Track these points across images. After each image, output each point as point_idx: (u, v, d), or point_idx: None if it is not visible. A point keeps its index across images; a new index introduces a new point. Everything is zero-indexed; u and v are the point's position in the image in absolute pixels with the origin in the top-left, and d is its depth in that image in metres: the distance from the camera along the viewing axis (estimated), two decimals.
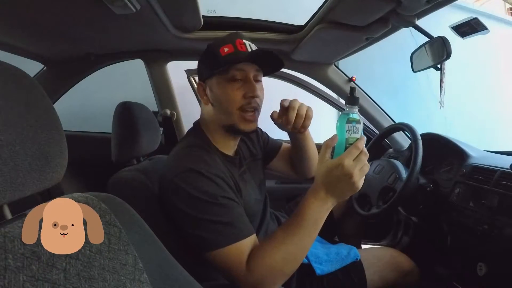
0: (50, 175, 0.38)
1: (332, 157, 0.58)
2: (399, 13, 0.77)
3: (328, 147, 0.58)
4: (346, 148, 0.57)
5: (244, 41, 0.69)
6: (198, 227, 0.60)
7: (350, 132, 0.57)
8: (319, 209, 0.59)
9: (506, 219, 0.76)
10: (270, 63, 0.71)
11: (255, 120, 0.72)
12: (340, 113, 0.59)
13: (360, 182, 0.56)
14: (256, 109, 0.71)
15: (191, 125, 0.80)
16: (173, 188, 0.62)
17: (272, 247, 0.59)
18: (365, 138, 0.58)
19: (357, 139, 0.57)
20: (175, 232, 0.64)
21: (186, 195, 0.60)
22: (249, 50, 0.69)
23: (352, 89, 0.60)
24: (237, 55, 0.67)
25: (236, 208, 0.64)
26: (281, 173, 1.01)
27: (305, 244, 0.60)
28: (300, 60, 1.23)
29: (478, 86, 3.84)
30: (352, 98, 0.58)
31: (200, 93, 0.74)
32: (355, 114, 0.58)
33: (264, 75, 0.74)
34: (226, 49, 0.67)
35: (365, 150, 0.56)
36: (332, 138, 0.58)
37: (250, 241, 0.62)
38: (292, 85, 1.43)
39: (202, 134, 0.74)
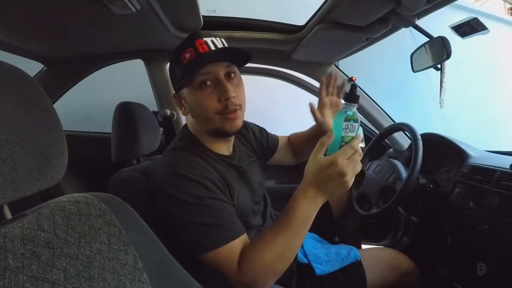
0: (50, 175, 0.38)
1: (325, 154, 0.57)
2: (399, 13, 0.77)
3: (323, 145, 0.57)
4: (340, 146, 0.57)
5: (205, 39, 0.63)
6: (187, 230, 0.60)
7: (347, 130, 0.56)
8: (309, 208, 0.58)
9: (506, 219, 0.76)
10: (239, 56, 0.66)
11: (238, 117, 0.67)
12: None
13: (351, 181, 0.56)
14: (237, 109, 0.66)
15: None
16: (160, 193, 0.62)
17: (262, 247, 0.59)
18: (361, 136, 0.58)
19: (353, 137, 0.57)
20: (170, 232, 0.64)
21: (172, 199, 0.60)
22: (212, 48, 0.63)
23: (353, 86, 0.59)
24: (199, 59, 0.62)
25: (225, 209, 0.63)
26: (280, 163, 1.03)
27: (295, 242, 0.60)
28: (300, 60, 1.22)
29: (478, 86, 3.84)
30: (351, 95, 0.57)
31: (178, 105, 0.72)
32: (354, 112, 0.57)
33: (238, 67, 0.69)
34: (187, 55, 0.63)
35: (360, 150, 0.56)
36: (329, 136, 0.57)
37: (240, 241, 0.61)
38: (292, 85, 1.43)
39: (191, 135, 0.73)
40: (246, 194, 0.75)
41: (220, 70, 0.64)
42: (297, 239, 0.60)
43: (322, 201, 0.59)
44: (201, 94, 0.64)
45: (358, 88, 1.31)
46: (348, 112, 0.56)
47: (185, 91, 0.67)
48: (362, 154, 0.57)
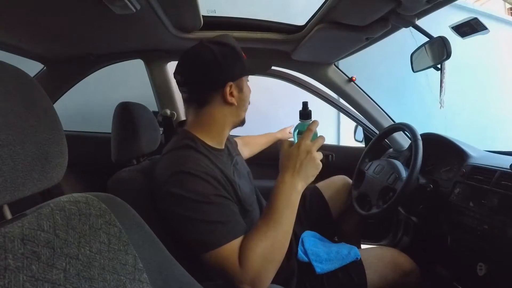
0: (50, 175, 0.38)
1: None
2: (399, 13, 0.77)
3: (286, 141, 0.70)
4: None
5: None
6: (192, 229, 0.60)
7: None
8: (289, 191, 0.63)
9: (506, 219, 0.76)
10: None
11: None
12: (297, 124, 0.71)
13: (318, 160, 0.64)
14: None
15: None
16: (163, 193, 0.62)
17: (257, 239, 0.60)
18: (318, 122, 0.67)
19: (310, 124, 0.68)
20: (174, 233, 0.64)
21: (178, 198, 0.60)
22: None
23: (304, 104, 0.69)
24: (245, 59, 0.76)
25: (229, 206, 0.64)
26: None
27: (286, 227, 0.63)
28: (300, 60, 1.23)
29: (478, 86, 3.84)
30: (304, 113, 0.69)
31: (228, 94, 0.72)
32: (305, 126, 0.68)
33: None
34: (243, 55, 0.76)
35: (316, 130, 0.67)
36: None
37: (241, 240, 0.62)
38: (292, 85, 1.43)
39: (189, 133, 0.73)
40: (244, 184, 0.77)
41: None
42: (287, 224, 0.63)
43: (301, 185, 0.64)
44: (248, 87, 0.79)
45: (355, 89, 1.33)
46: (302, 128, 0.68)
47: (243, 81, 0.76)
48: (325, 138, 0.67)
